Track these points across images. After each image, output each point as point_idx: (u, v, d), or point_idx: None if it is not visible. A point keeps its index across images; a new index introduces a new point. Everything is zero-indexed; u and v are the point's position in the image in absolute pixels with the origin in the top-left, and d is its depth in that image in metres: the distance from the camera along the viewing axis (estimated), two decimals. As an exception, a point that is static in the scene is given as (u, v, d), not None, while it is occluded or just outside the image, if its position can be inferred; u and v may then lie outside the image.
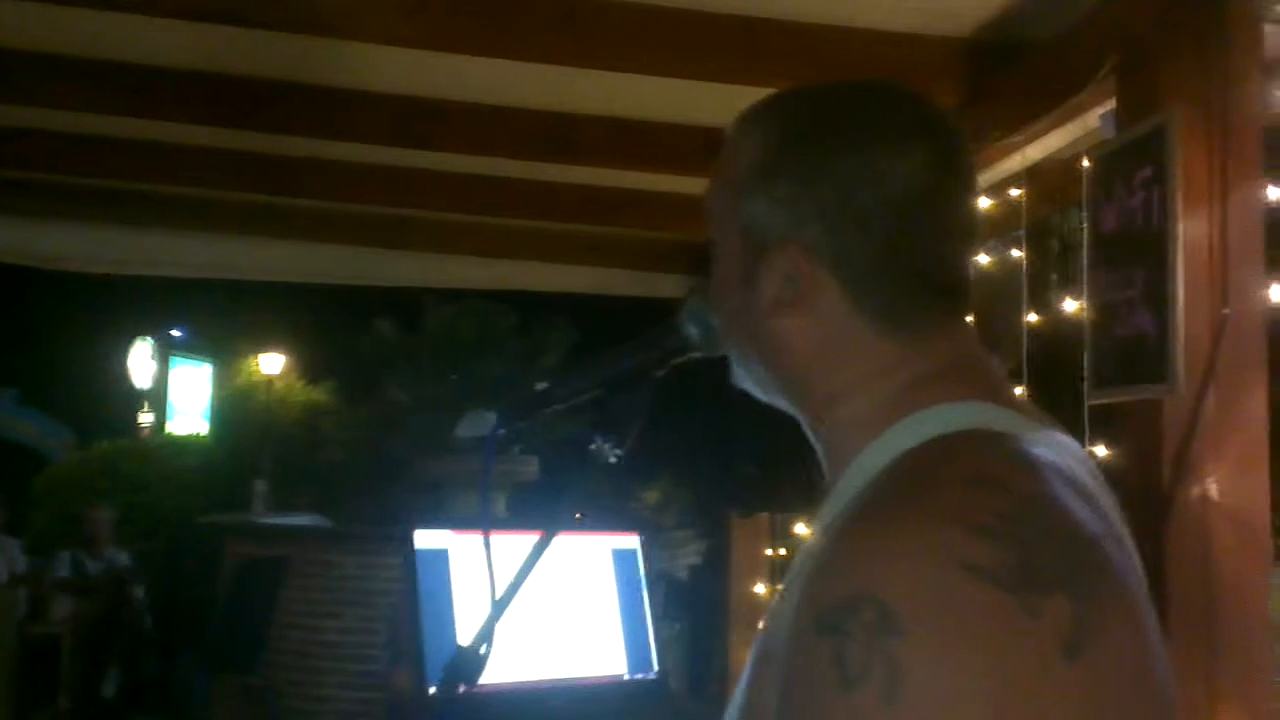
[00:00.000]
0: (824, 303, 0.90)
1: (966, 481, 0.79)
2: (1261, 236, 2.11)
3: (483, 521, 1.20)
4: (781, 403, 0.99)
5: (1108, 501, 0.89)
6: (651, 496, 8.88)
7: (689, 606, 7.51)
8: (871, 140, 0.90)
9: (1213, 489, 2.07)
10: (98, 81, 3.40)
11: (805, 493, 1.06)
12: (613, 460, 1.07)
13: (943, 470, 0.81)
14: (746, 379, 1.01)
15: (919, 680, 0.69)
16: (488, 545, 1.09)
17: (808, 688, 0.74)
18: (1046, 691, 0.70)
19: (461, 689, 1.04)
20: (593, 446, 1.07)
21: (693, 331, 1.06)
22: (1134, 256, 2.12)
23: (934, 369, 0.90)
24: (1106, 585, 0.77)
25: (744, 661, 0.92)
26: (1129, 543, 0.88)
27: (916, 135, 0.91)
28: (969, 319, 0.96)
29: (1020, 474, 0.80)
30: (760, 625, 1.08)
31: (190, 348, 15.82)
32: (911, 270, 0.90)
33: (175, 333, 16.01)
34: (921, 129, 0.92)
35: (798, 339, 0.92)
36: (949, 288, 0.93)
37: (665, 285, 5.02)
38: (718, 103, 3.32)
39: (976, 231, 0.95)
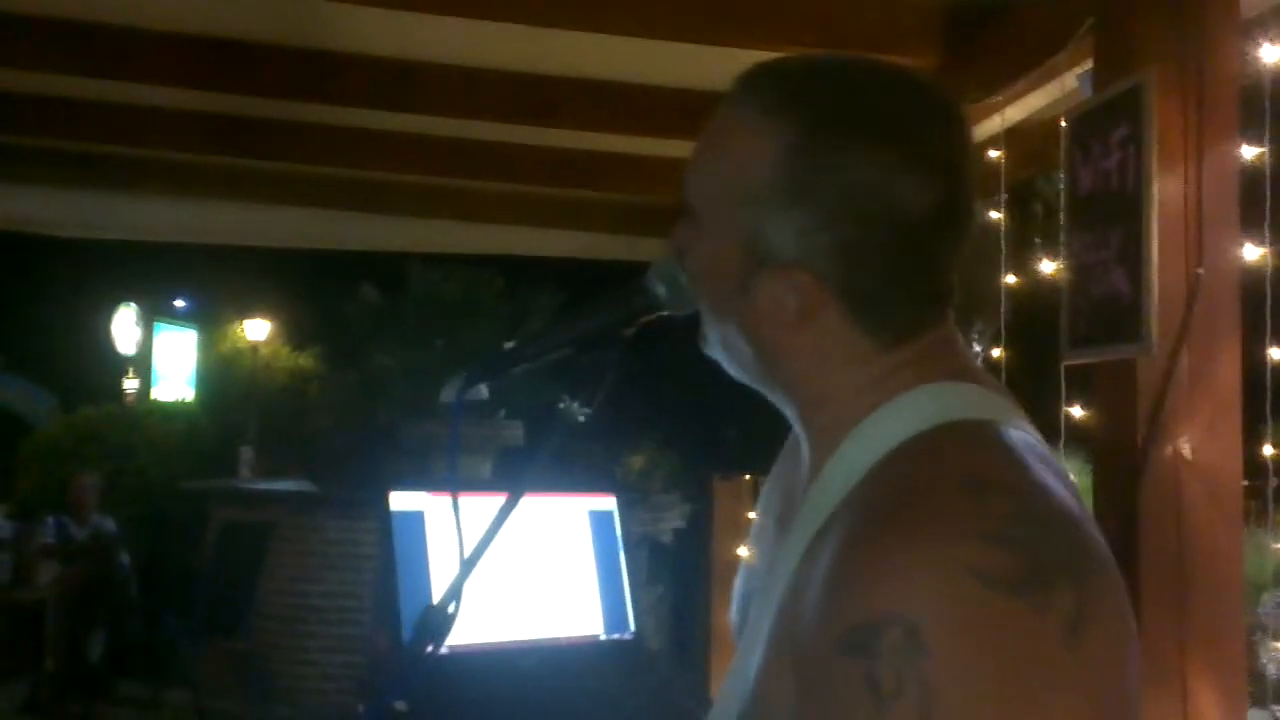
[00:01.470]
0: (824, 320, 0.92)
1: (964, 486, 0.82)
2: (1236, 197, 2.12)
3: (451, 482, 1.20)
4: (761, 388, 1.00)
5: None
6: (637, 461, 8.91)
7: (672, 570, 7.56)
8: (897, 171, 0.89)
9: (1186, 448, 2.08)
10: (75, 44, 3.37)
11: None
12: (581, 419, 1.07)
13: (937, 473, 0.84)
14: (724, 359, 1.01)
15: (949, 696, 0.74)
16: (456, 505, 1.09)
17: (840, 709, 0.77)
18: (1054, 678, 0.76)
19: (430, 647, 1.04)
20: (561, 405, 1.07)
21: (661, 290, 1.05)
22: (1110, 217, 2.13)
23: (912, 355, 0.93)
24: (1097, 562, 0.82)
25: (725, 624, 0.93)
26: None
27: (941, 168, 0.90)
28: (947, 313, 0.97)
29: (1010, 469, 0.84)
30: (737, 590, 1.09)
31: (175, 313, 15.75)
32: (916, 292, 0.93)
33: (180, 302, 15.95)
34: (946, 157, 0.91)
35: (789, 348, 0.94)
36: (945, 295, 0.96)
37: (648, 248, 5.02)
38: (697, 65, 3.30)
39: (969, 236, 0.95)
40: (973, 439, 0.87)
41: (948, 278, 0.95)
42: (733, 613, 1.10)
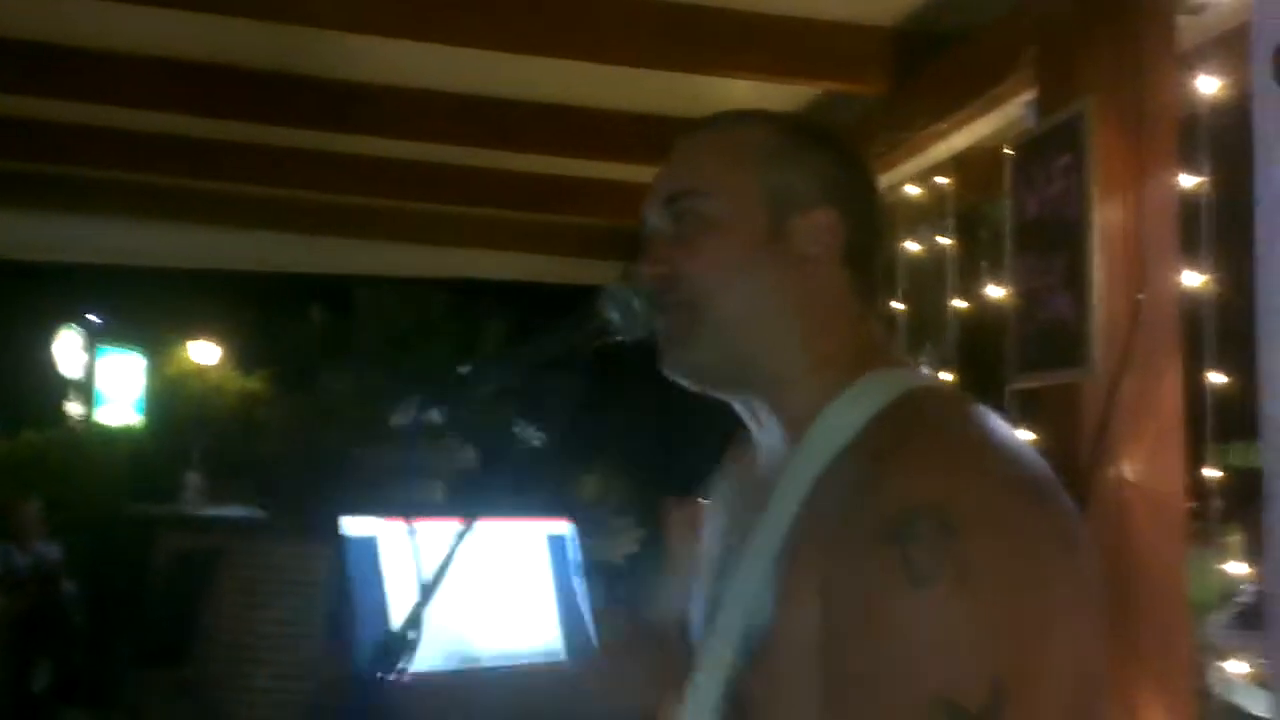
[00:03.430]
0: (832, 268, 1.05)
1: (963, 419, 0.97)
2: (1176, 223, 2.16)
3: (407, 507, 1.20)
4: (725, 385, 1.07)
5: None
6: (589, 484, 8.88)
7: (627, 593, 7.53)
8: (847, 149, 1.13)
9: (1130, 471, 2.12)
10: (21, 65, 3.32)
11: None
12: (536, 444, 1.08)
13: (939, 412, 0.98)
14: (698, 358, 1.05)
15: (981, 574, 0.82)
16: (412, 531, 1.09)
17: (875, 591, 0.84)
18: (1062, 580, 0.87)
19: (388, 674, 1.04)
20: (516, 430, 1.08)
21: (614, 315, 1.07)
22: (1054, 243, 2.17)
23: (875, 340, 1.08)
24: (1070, 505, 0.94)
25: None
26: None
27: (873, 185, 1.14)
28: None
29: (988, 415, 0.98)
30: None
31: (119, 336, 15.49)
32: (876, 251, 1.11)
33: (94, 319, 15.61)
34: (872, 180, 1.15)
35: (805, 297, 1.04)
36: (881, 292, 1.14)
37: (601, 272, 5.02)
38: (651, 90, 3.33)
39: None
40: (953, 393, 1.06)
41: (880, 274, 1.13)
42: (694, 617, 1.12)
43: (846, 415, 0.98)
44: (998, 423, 0.98)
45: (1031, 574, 0.85)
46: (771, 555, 0.95)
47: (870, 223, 1.09)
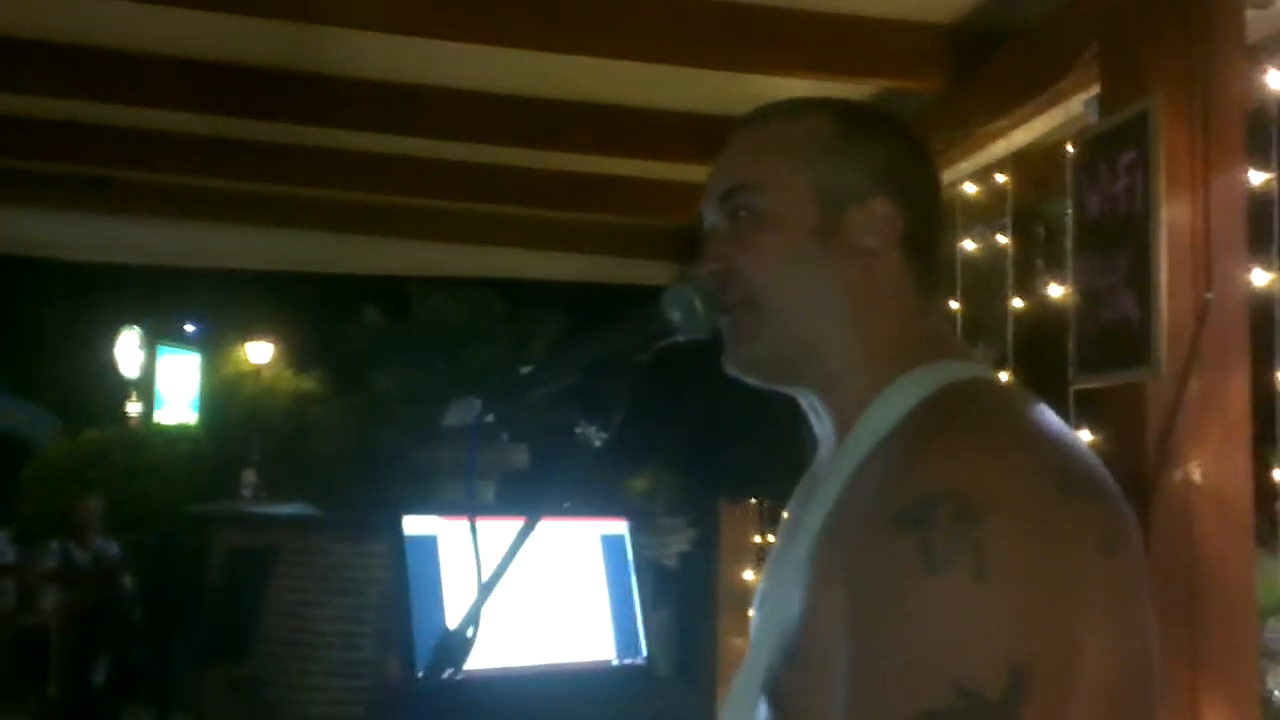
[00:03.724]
0: (889, 261, 1.04)
1: (1007, 408, 0.95)
2: (1244, 221, 2.12)
3: (469, 506, 1.21)
4: (796, 378, 1.06)
5: None
6: (640, 484, 8.89)
7: (678, 594, 7.53)
8: (909, 138, 1.11)
9: (1196, 473, 2.07)
10: (79, 68, 3.38)
11: (794, 479, 1.09)
12: (598, 444, 1.08)
13: (976, 403, 0.96)
14: (768, 351, 1.05)
15: (1000, 560, 0.81)
16: (474, 529, 1.09)
17: (890, 578, 0.83)
18: (1093, 577, 0.85)
19: (448, 672, 1.04)
20: (578, 430, 1.08)
21: (675, 315, 1.06)
22: (1118, 241, 2.13)
23: (934, 332, 1.06)
24: (1119, 508, 0.91)
25: (733, 648, 0.97)
26: None
27: (935, 172, 1.13)
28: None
29: (1033, 411, 0.96)
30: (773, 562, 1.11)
31: (178, 337, 15.75)
32: (938, 243, 1.08)
33: (189, 327, 15.91)
34: (934, 170, 1.13)
35: (859, 291, 1.03)
36: (944, 284, 1.14)
37: (651, 271, 5.02)
38: (702, 89, 3.32)
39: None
40: (1004, 388, 1.03)
41: (942, 265, 1.10)
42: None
43: (890, 408, 0.97)
44: (1048, 419, 0.95)
45: (1054, 566, 0.83)
46: (807, 550, 0.94)
47: (930, 212, 1.07)
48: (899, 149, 1.07)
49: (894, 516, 0.84)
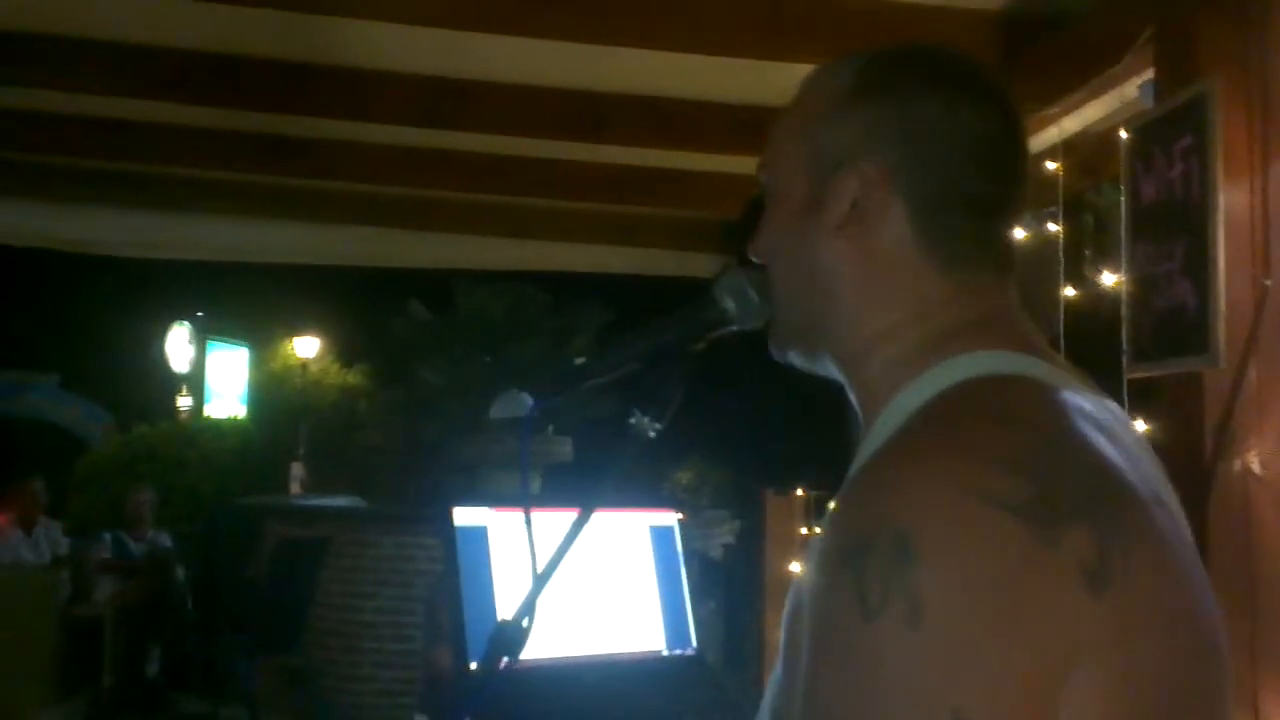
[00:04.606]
0: (887, 228, 0.92)
1: (992, 419, 0.81)
2: (1304, 206, 2.08)
3: (523, 498, 1.21)
4: (825, 360, 0.99)
5: (1150, 465, 0.90)
6: (685, 476, 8.88)
7: (723, 585, 7.52)
8: (950, 84, 0.93)
9: (1255, 463, 2.04)
10: (126, 66, 3.42)
11: (840, 469, 1.06)
12: (652, 434, 1.07)
13: (970, 409, 0.83)
14: (790, 336, 1.01)
15: (938, 605, 0.72)
16: (529, 521, 1.09)
17: (832, 620, 0.76)
18: (1072, 619, 0.73)
19: (504, 663, 1.05)
20: (632, 421, 1.07)
21: (729, 304, 1.05)
22: (1174, 228, 2.10)
23: (975, 317, 0.91)
24: (1134, 521, 0.78)
25: (779, 641, 0.94)
26: (1175, 509, 0.88)
27: (989, 89, 0.94)
28: (1011, 284, 0.96)
29: (1046, 412, 0.83)
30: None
31: (227, 331, 15.95)
32: (973, 206, 0.92)
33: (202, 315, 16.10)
34: (991, 85, 0.95)
35: (855, 265, 0.93)
36: (1001, 236, 0.94)
37: (697, 264, 5.02)
38: (747, 80, 3.30)
39: (1026, 187, 0.96)
40: (1015, 386, 0.85)
41: (1004, 211, 0.94)
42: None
43: (900, 410, 0.88)
44: (1064, 411, 0.83)
45: (1007, 606, 0.72)
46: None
47: (959, 172, 0.91)
48: (921, 99, 0.91)
49: (838, 552, 0.77)
